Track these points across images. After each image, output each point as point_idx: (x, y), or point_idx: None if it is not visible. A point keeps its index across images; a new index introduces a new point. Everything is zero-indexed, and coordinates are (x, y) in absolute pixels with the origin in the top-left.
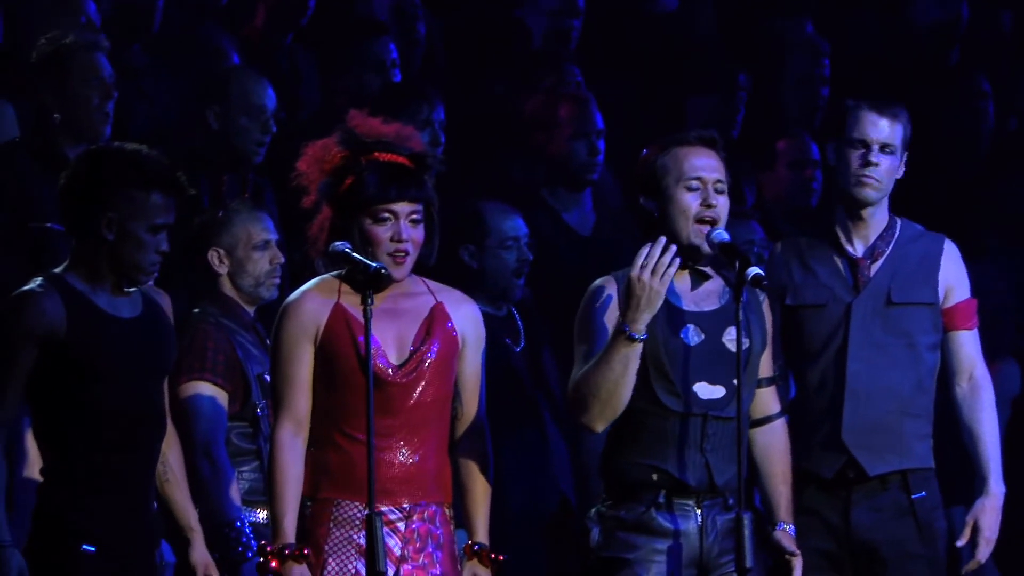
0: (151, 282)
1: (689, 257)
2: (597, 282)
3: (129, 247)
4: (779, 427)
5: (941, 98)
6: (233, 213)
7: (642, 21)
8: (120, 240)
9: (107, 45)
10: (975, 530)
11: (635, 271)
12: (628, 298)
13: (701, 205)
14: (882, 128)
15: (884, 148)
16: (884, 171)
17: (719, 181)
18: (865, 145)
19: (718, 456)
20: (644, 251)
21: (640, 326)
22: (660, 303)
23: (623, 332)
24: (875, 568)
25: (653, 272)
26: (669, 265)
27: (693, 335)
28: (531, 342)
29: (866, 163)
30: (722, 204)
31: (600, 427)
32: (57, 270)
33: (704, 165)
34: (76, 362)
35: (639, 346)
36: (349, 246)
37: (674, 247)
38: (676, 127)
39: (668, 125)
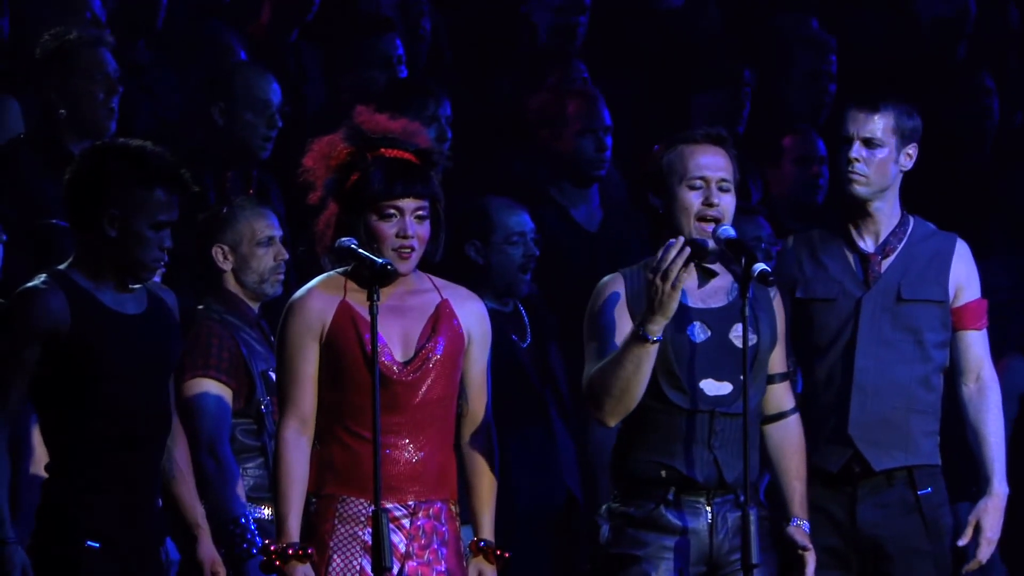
0: (157, 278)
1: (694, 255)
2: (605, 279)
3: (132, 244)
4: (793, 423)
5: (946, 94)
6: (237, 209)
7: (647, 17)
8: (123, 237)
9: (112, 41)
10: (977, 530)
11: (650, 274)
12: (646, 300)
13: (703, 203)
14: (861, 122)
15: (867, 142)
16: (868, 165)
17: (723, 180)
18: (848, 141)
19: (727, 452)
20: (660, 253)
21: (653, 327)
22: (674, 306)
23: (637, 332)
24: (881, 564)
25: (664, 276)
26: (682, 269)
27: (699, 332)
28: (537, 338)
29: (848, 159)
30: (726, 202)
31: (613, 422)
32: (61, 267)
33: (708, 163)
34: (80, 359)
35: (652, 348)
36: (355, 242)
37: (687, 251)
38: (681, 124)
39: (673, 122)
